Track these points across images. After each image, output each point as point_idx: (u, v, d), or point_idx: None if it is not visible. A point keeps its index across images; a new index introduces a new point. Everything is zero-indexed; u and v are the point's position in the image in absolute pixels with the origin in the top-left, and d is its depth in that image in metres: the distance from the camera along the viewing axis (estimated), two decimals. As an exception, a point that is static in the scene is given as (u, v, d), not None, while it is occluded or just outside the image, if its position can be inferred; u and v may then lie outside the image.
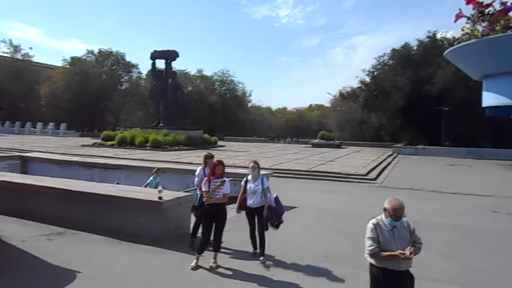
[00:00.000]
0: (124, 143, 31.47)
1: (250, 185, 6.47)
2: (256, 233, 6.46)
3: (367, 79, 47.51)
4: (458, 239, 7.93)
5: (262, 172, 11.61)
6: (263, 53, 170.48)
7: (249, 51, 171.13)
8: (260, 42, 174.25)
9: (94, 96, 58.87)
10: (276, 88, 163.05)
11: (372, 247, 3.59)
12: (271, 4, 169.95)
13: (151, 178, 10.13)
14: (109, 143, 32.38)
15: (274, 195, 6.56)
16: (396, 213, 3.56)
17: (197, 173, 6.99)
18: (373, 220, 3.70)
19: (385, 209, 3.64)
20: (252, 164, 6.57)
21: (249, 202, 6.43)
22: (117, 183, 7.28)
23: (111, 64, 64.30)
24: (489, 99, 1.69)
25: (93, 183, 9.82)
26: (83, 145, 31.88)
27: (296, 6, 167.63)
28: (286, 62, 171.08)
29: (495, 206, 11.29)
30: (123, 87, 65.94)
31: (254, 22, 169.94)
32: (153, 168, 10.65)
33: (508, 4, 1.53)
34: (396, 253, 3.45)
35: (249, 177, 6.55)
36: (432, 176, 18.84)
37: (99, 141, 33.96)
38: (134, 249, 6.60)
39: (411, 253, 3.45)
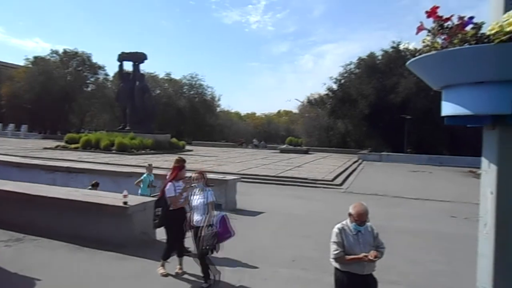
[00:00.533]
0: (88, 146, 30.56)
1: (193, 198, 5.51)
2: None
3: (335, 87, 48.56)
4: (419, 243, 8.21)
5: (230, 177, 11.65)
6: (233, 58, 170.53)
7: (219, 56, 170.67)
8: (230, 47, 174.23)
9: (58, 98, 56.69)
10: (245, 93, 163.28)
11: (337, 251, 3.66)
12: (242, 9, 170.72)
13: (144, 175, 9.80)
14: (73, 146, 31.35)
15: (221, 215, 5.54)
16: (361, 218, 3.65)
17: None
18: (338, 225, 3.77)
19: (350, 214, 3.72)
20: (196, 175, 5.57)
21: (193, 219, 5.45)
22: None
23: (76, 65, 62.18)
24: (447, 108, 1.78)
25: (55, 187, 9.46)
26: (45, 148, 30.66)
27: (266, 12, 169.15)
28: (255, 68, 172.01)
29: (454, 211, 11.78)
30: (89, 89, 63.85)
31: (224, 27, 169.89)
32: (121, 171, 10.39)
33: (465, 18, 1.63)
34: (361, 255, 3.54)
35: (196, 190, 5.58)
36: (395, 182, 19.43)
37: (62, 144, 32.79)
38: (97, 255, 6.40)
39: (375, 256, 3.55)
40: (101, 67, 63.76)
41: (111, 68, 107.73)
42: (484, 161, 2.03)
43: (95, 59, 63.88)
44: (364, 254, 3.54)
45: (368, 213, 3.69)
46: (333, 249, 3.70)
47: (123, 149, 28.71)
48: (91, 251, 6.53)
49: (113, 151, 28.79)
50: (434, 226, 9.76)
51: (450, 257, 7.26)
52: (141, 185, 9.67)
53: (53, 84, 56.26)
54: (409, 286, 5.75)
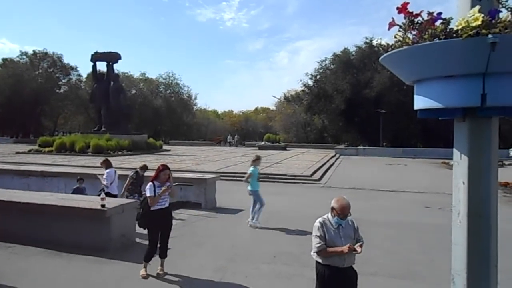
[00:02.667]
0: (63, 149, 29.81)
1: None
2: None
3: (310, 83, 48.93)
4: (396, 234, 8.40)
5: (209, 176, 11.61)
6: (209, 56, 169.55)
7: (194, 54, 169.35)
8: (205, 45, 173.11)
9: (29, 100, 54.88)
10: (222, 91, 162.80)
11: (319, 244, 3.71)
12: (215, 7, 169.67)
13: (251, 168, 9.16)
14: (46, 149, 30.50)
15: None
16: (343, 211, 3.71)
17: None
18: (320, 219, 3.82)
19: (332, 208, 3.77)
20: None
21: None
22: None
23: (47, 66, 60.30)
24: (419, 102, 1.83)
25: (29, 192, 9.20)
26: (17, 152, 29.68)
27: (241, 9, 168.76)
28: (231, 65, 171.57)
29: (428, 202, 12.10)
30: (62, 91, 61.97)
31: (198, 24, 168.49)
32: (98, 173, 10.11)
33: (435, 14, 1.67)
34: (345, 247, 3.58)
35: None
36: (372, 175, 19.78)
37: (35, 147, 31.84)
38: (76, 260, 6.27)
39: (360, 246, 3.64)
40: (73, 68, 62.14)
41: (84, 69, 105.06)
42: (456, 153, 2.10)
43: (66, 60, 62.46)
44: (349, 244, 3.59)
45: (350, 207, 3.76)
46: (315, 242, 3.75)
47: (99, 151, 28.14)
48: (69, 256, 6.39)
49: (89, 153, 28.21)
50: (410, 217, 10.00)
51: (426, 247, 7.46)
52: (250, 180, 9.09)
53: (23, 86, 54.43)
54: (387, 276, 5.88)
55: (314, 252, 3.80)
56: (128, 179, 9.43)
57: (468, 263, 2.01)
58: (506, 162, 21.97)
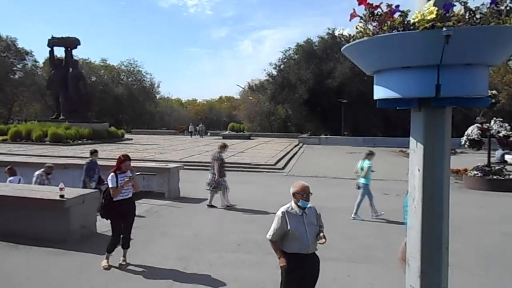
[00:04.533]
0: (19, 138, 28.50)
1: None
2: None
3: (274, 72, 49.08)
4: (356, 221, 8.68)
5: (173, 165, 11.45)
6: (172, 43, 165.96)
7: (157, 41, 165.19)
8: (168, 32, 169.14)
9: (-20, 86, 51.70)
10: (185, 79, 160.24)
11: (271, 235, 3.86)
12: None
13: (365, 161, 9.24)
14: (0, 138, 28.98)
15: None
16: (305, 190, 3.80)
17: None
18: (282, 208, 3.87)
19: (294, 194, 3.83)
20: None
21: None
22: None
23: (0, 50, 56.87)
24: (379, 92, 1.89)
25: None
26: (-33, 142, 28.06)
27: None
28: (195, 53, 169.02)
29: (386, 189, 12.55)
30: (16, 77, 58.42)
31: (161, 10, 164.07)
32: (57, 163, 9.72)
33: (393, 7, 1.72)
34: (283, 262, 3.78)
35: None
36: (333, 163, 20.24)
37: (-12, 136, 30.23)
38: (34, 252, 6.05)
39: (324, 237, 3.86)
40: (28, 53, 58.54)
41: (41, 54, 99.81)
42: (412, 141, 2.18)
43: (21, 44, 58.55)
44: (285, 264, 3.77)
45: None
46: (270, 231, 3.88)
47: (57, 140, 27.07)
48: (26, 248, 6.16)
49: (47, 143, 27.08)
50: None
51: (384, 232, 7.78)
52: (362, 173, 9.19)
53: (-27, 72, 51.10)
54: (348, 261, 6.09)
55: (268, 236, 3.92)
56: (84, 168, 9.21)
57: (422, 247, 2.11)
58: (458, 150, 23.12)
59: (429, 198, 2.10)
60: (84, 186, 8.77)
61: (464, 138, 14.53)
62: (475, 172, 13.65)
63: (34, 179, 9.06)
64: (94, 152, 9.52)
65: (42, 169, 9.25)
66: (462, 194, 12.15)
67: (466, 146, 14.63)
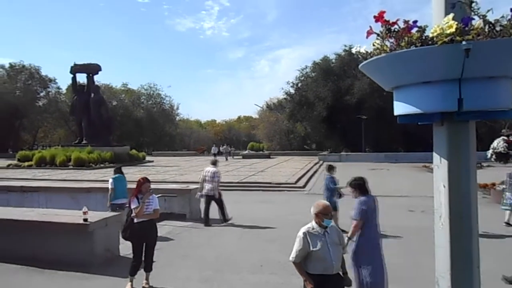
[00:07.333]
0: (43, 163, 29.24)
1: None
2: None
3: (292, 91, 49.29)
4: (381, 238, 8.46)
5: (194, 186, 11.50)
6: (189, 65, 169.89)
7: (175, 64, 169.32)
8: (186, 54, 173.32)
9: (7, 114, 53.36)
10: (204, 101, 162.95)
11: (294, 256, 3.79)
12: (195, 16, 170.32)
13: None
14: (26, 164, 29.82)
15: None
16: (327, 210, 3.76)
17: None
18: (303, 229, 3.82)
19: (316, 214, 3.78)
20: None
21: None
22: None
23: (25, 79, 58.90)
24: (399, 108, 1.86)
25: (8, 208, 8.96)
26: (-5, 168, 28.98)
27: (220, 18, 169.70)
28: (212, 75, 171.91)
29: (411, 205, 12.26)
30: (41, 104, 60.51)
31: (178, 34, 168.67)
32: (80, 187, 9.91)
33: (410, 22, 1.72)
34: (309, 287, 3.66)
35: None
36: (355, 180, 19.91)
37: (14, 162, 31.10)
38: (58, 277, 6.12)
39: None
40: (52, 80, 60.79)
41: (63, 81, 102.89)
42: (436, 156, 2.13)
43: (44, 72, 61.01)
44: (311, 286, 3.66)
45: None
46: (293, 252, 3.81)
47: (80, 164, 27.71)
48: (51, 273, 6.23)
49: (70, 167, 27.74)
50: (394, 221, 10.08)
51: (410, 250, 7.54)
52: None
53: (1, 100, 53.16)
54: (374, 281, 5.89)
55: (291, 258, 3.85)
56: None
57: (452, 265, 2.04)
58: (485, 164, 22.47)
59: (456, 214, 2.04)
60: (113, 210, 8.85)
61: (490, 151, 14.11)
62: (504, 186, 13.18)
63: None
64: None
65: None
66: (491, 209, 11.74)
67: (492, 159, 14.19)
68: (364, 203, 5.03)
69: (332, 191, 9.08)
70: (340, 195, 9.14)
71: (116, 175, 9.43)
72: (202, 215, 10.25)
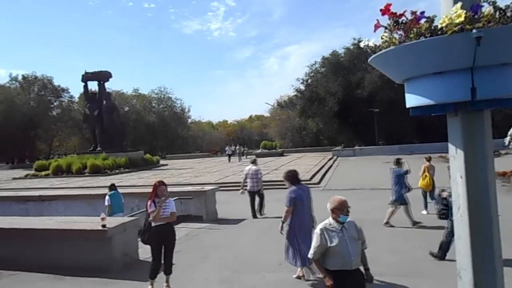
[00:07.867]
0: (60, 172, 29.77)
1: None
2: None
3: (302, 87, 49.08)
4: (400, 232, 8.39)
5: (208, 187, 11.57)
6: (198, 67, 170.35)
7: (184, 67, 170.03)
8: (194, 56, 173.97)
9: (22, 125, 54.66)
10: (215, 102, 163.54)
11: (312, 255, 3.79)
12: (201, 18, 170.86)
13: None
14: (43, 173, 30.42)
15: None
16: (344, 205, 3.72)
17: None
18: (321, 225, 3.81)
19: (332, 210, 3.75)
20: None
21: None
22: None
23: (38, 89, 60.03)
24: (411, 100, 1.84)
25: (28, 218, 9.15)
26: (14, 178, 29.57)
27: (227, 18, 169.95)
28: (222, 75, 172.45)
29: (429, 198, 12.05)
30: (54, 113, 61.73)
31: (185, 37, 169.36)
32: (97, 194, 10.05)
33: (418, 13, 1.69)
34: (327, 284, 3.64)
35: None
36: (370, 175, 19.78)
37: (31, 172, 31.80)
38: (81, 283, 6.22)
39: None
40: (64, 90, 61.93)
41: (75, 89, 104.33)
42: (451, 147, 2.11)
43: (57, 82, 61.98)
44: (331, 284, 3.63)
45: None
46: (311, 250, 3.81)
47: (96, 171, 28.12)
48: (73, 280, 6.34)
49: (86, 174, 28.16)
50: (413, 214, 9.97)
51: (430, 243, 7.44)
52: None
53: (15, 111, 54.23)
54: (395, 275, 5.85)
55: (309, 255, 3.87)
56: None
57: (473, 257, 2.01)
58: (503, 152, 22.05)
59: (475, 205, 2.02)
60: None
61: (508, 138, 13.90)
62: (523, 173, 12.95)
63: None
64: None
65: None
66: (511, 198, 11.52)
67: (510, 146, 13.95)
68: (293, 191, 5.93)
69: (402, 185, 9.18)
70: (409, 189, 9.28)
71: (112, 192, 9.57)
72: (250, 211, 10.85)
